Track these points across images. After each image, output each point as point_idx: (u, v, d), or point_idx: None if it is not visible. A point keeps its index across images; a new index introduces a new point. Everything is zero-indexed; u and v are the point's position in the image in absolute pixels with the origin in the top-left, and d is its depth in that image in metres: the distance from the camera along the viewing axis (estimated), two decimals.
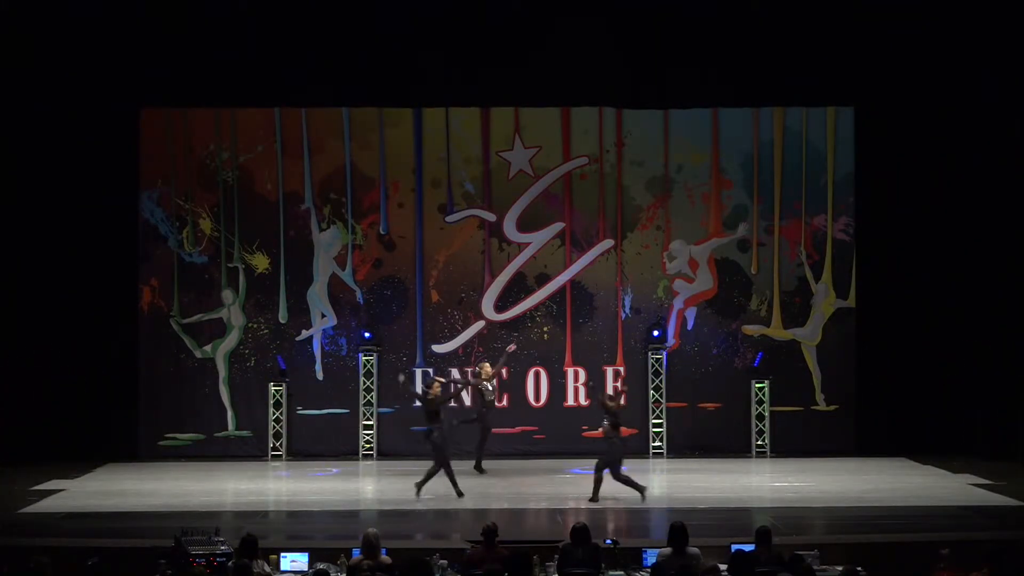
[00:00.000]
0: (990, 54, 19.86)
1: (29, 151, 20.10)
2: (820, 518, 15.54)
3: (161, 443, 20.81)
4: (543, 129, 21.34)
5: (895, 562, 12.29)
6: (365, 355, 20.95)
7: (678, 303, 21.27)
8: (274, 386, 20.79)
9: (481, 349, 21.18)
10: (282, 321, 21.12)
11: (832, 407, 21.10)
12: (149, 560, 11.47)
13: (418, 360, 21.11)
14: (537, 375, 21.15)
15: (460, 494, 16.57)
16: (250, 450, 20.89)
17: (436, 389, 17.16)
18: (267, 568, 11.29)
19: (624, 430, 20.94)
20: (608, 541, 12.01)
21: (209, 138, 21.17)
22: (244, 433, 20.98)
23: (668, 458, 20.78)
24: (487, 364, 19.59)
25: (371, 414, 20.93)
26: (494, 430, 19.73)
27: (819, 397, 21.15)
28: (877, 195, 21.00)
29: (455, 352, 21.21)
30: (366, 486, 18.86)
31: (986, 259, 20.28)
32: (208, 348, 21.02)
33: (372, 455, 20.82)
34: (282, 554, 11.74)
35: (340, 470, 19.77)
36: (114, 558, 11.67)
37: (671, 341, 21.14)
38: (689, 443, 21.05)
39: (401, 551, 11.74)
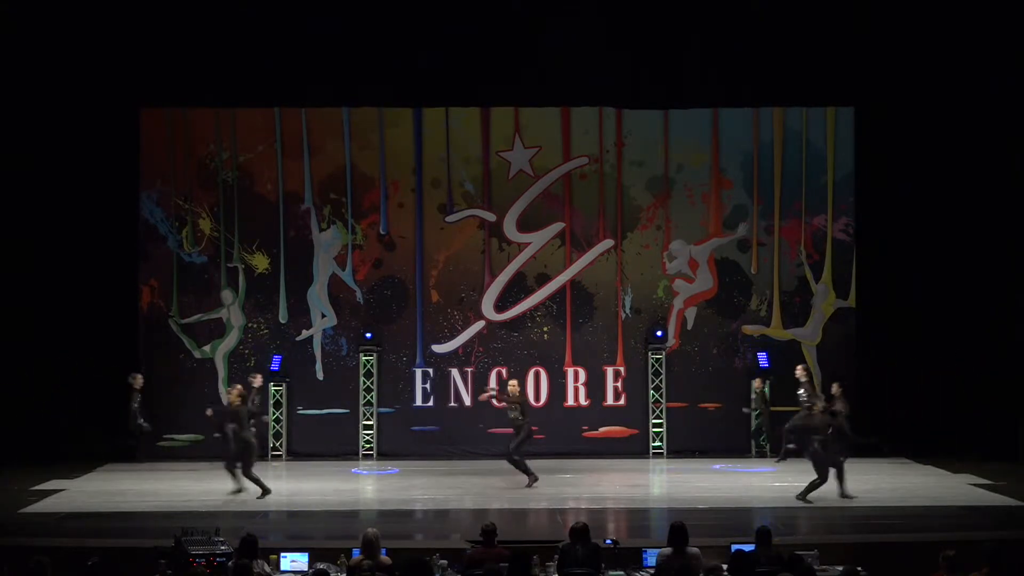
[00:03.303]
0: (990, 54, 19.86)
1: (29, 151, 20.08)
2: (820, 518, 15.53)
3: (160, 443, 20.80)
4: (543, 129, 21.34)
5: (895, 562, 12.29)
6: (365, 355, 20.96)
7: (678, 303, 21.28)
8: (274, 386, 20.78)
9: (482, 349, 21.19)
10: (282, 321, 21.13)
11: None
12: (149, 560, 11.46)
13: (418, 360, 21.12)
14: (537, 375, 21.14)
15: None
16: None
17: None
18: (267, 568, 11.29)
19: (623, 431, 21.12)
20: (608, 541, 12.01)
21: (209, 138, 21.18)
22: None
23: (668, 458, 20.78)
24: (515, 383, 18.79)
25: (371, 414, 20.93)
26: (490, 430, 19.73)
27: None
28: (877, 195, 21.00)
29: (455, 352, 21.21)
30: (366, 486, 18.85)
31: (986, 259, 20.29)
32: (207, 348, 21.02)
33: (372, 455, 20.82)
34: (282, 554, 11.73)
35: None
36: (114, 558, 11.66)
37: (671, 341, 21.14)
38: (689, 443, 21.02)
39: (401, 551, 11.74)
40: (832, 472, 16.23)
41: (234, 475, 16.84)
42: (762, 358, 20.96)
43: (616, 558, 11.62)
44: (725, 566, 10.40)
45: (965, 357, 20.39)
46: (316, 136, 21.26)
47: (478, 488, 17.61)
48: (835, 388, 18.70)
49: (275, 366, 20.79)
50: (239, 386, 18.04)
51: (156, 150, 21.03)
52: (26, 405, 19.77)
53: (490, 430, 20.84)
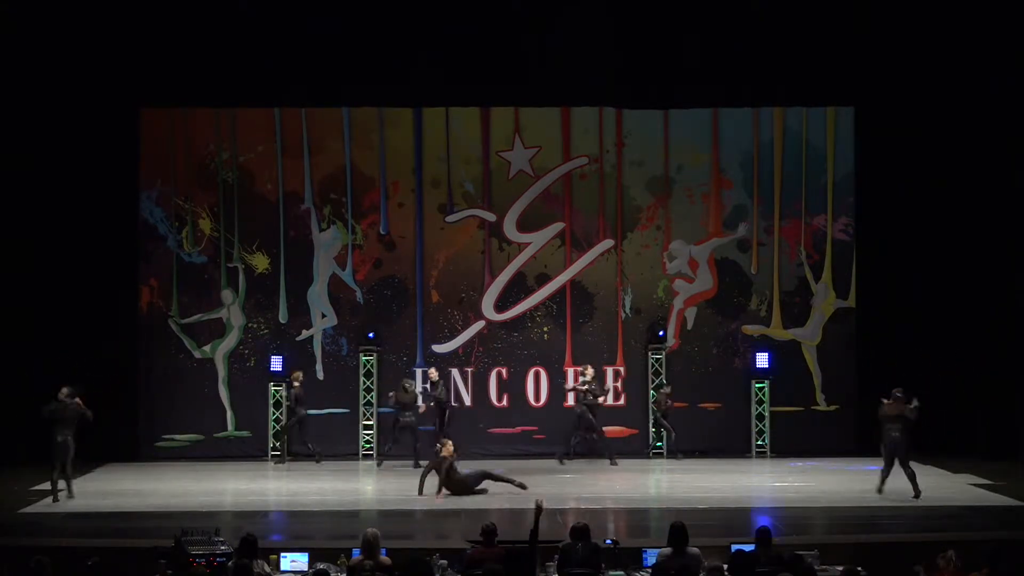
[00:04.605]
0: (990, 54, 19.85)
1: (29, 151, 20.07)
2: (820, 518, 15.54)
3: (160, 443, 20.80)
4: (543, 129, 21.34)
5: (895, 562, 12.29)
6: (365, 355, 20.95)
7: (678, 303, 21.27)
8: (274, 386, 20.78)
9: (482, 349, 21.18)
10: (282, 321, 21.12)
11: (832, 407, 21.10)
12: (149, 560, 11.47)
13: (418, 360, 21.11)
14: (537, 375, 21.14)
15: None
16: (250, 450, 20.88)
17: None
18: (267, 568, 11.30)
19: (623, 431, 21.09)
20: (608, 541, 12.01)
21: (209, 138, 21.17)
22: (243, 433, 20.97)
23: (668, 458, 20.77)
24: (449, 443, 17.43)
25: (371, 414, 20.93)
26: (490, 430, 19.71)
27: (819, 397, 21.16)
28: (877, 195, 21.01)
29: (455, 352, 21.21)
30: (366, 486, 18.85)
31: (986, 259, 20.28)
32: (207, 348, 21.02)
33: (372, 455, 20.81)
34: (282, 554, 11.75)
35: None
36: (114, 558, 11.66)
37: (671, 341, 21.13)
38: (689, 443, 21.01)
39: (401, 551, 11.73)
40: None
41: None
42: (762, 358, 20.96)
43: (616, 558, 11.62)
44: (725, 566, 10.41)
45: (965, 357, 20.39)
46: (316, 136, 21.26)
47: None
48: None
49: (275, 366, 20.79)
50: (393, 393, 19.76)
51: (156, 150, 21.02)
52: (26, 405, 19.73)
53: (490, 429, 20.89)
